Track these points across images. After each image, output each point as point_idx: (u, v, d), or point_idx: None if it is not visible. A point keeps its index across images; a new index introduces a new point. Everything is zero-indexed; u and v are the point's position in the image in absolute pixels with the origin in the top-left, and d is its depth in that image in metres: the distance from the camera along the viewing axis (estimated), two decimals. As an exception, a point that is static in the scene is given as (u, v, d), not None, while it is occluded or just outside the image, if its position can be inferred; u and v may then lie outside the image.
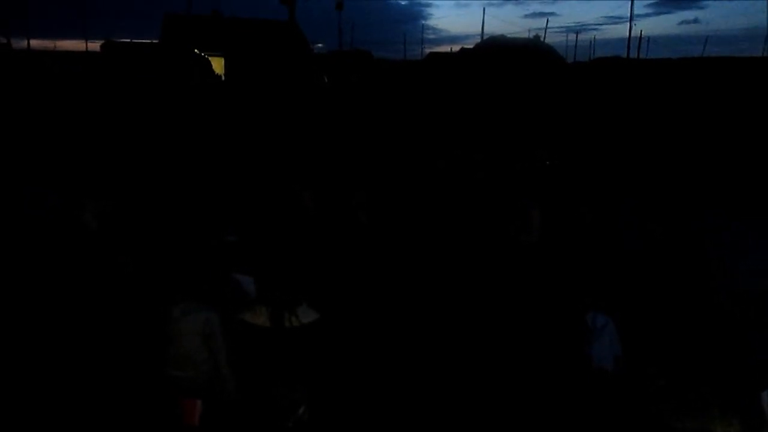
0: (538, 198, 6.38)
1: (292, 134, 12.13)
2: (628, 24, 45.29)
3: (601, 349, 4.41)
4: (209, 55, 23.31)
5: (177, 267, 4.25)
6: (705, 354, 4.58)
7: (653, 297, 5.09)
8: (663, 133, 13.35)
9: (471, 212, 6.84)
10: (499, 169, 8.74)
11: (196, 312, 3.40)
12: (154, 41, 27.64)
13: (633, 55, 42.13)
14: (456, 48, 36.23)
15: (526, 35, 41.35)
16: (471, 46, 33.95)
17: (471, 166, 8.73)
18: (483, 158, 9.19)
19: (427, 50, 51.38)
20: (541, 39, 37.62)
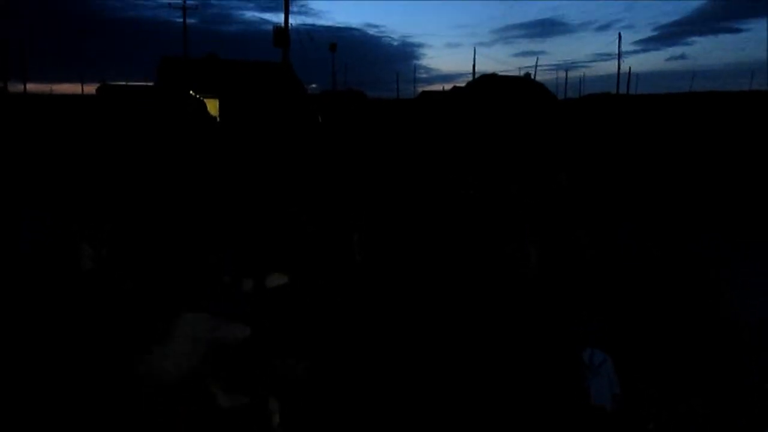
0: (535, 222, 6.40)
1: (286, 169, 12.19)
2: (617, 61, 46.15)
3: (599, 387, 4.35)
4: (204, 97, 23.57)
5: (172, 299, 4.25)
6: (702, 376, 4.55)
7: (651, 318, 5.08)
8: (657, 163, 13.48)
9: (466, 235, 6.86)
10: (495, 192, 8.79)
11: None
12: (149, 84, 28.02)
13: (622, 90, 42.84)
14: (448, 86, 36.79)
15: (516, 73, 42.04)
16: (463, 84, 34.41)
17: (465, 188, 8.78)
18: (477, 181, 9.25)
19: (420, 89, 52.21)
20: (532, 77, 38.25)
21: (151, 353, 3.66)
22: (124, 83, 26.61)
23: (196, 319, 3.60)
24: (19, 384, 4.33)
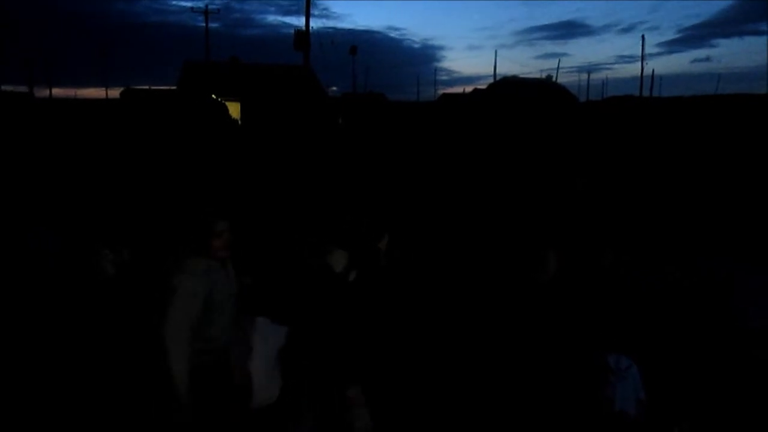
0: (553, 227, 6.33)
1: (306, 176, 12.23)
2: (640, 63, 45.67)
3: (623, 392, 4.31)
4: (226, 101, 23.75)
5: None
6: (727, 397, 4.47)
7: (673, 339, 5.00)
8: (679, 173, 13.25)
9: (486, 247, 6.81)
10: (514, 197, 8.73)
11: None
12: (172, 88, 28.31)
13: (646, 93, 42.40)
14: (469, 89, 36.56)
15: (538, 76, 41.79)
16: (484, 87, 34.30)
17: (487, 200, 8.74)
18: (497, 186, 9.21)
19: (440, 91, 52.18)
20: (554, 79, 38.01)
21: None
22: (147, 87, 26.91)
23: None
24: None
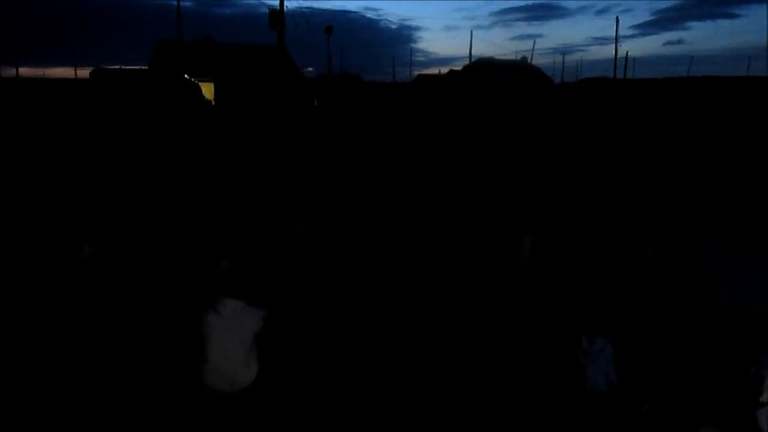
0: (532, 211, 6.41)
1: (281, 158, 12.14)
2: (614, 45, 45.97)
3: (596, 371, 4.45)
4: (199, 81, 23.34)
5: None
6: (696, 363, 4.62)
7: (654, 321, 5.11)
8: (655, 157, 13.37)
9: (466, 231, 6.87)
10: (490, 181, 8.78)
11: None
12: (144, 67, 27.69)
13: (620, 75, 42.81)
14: (445, 70, 36.40)
15: (513, 57, 41.86)
16: (459, 68, 34.26)
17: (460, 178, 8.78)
18: (472, 170, 9.24)
19: (416, 72, 52.04)
20: (529, 60, 38.07)
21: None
22: (118, 67, 26.24)
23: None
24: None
